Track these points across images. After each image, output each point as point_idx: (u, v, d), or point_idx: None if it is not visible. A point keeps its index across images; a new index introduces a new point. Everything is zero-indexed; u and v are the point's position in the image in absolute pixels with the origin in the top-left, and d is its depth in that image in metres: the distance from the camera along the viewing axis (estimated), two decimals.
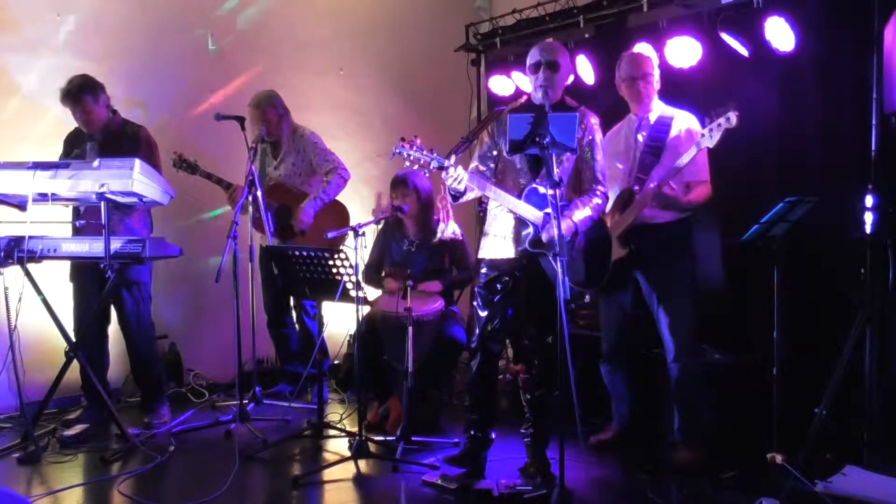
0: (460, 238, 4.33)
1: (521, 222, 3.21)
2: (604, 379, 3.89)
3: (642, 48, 4.11)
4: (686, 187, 3.58)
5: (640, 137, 3.64)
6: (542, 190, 3.11)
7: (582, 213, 3.21)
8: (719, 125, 3.29)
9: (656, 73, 3.64)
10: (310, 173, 4.69)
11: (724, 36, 3.89)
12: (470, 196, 3.23)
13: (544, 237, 3.11)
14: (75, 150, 4.07)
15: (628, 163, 3.65)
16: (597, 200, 3.28)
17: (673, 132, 3.58)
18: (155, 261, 4.10)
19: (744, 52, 3.89)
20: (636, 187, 3.55)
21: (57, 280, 4.09)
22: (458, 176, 3.05)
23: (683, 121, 3.61)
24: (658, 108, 3.66)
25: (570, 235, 3.15)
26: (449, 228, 4.28)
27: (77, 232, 3.90)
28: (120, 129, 4.12)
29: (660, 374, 3.77)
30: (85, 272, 4.02)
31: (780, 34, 3.70)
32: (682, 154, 3.46)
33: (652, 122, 3.63)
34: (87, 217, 3.91)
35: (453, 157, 3.07)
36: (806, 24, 3.66)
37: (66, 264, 4.09)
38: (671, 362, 3.55)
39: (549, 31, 4.89)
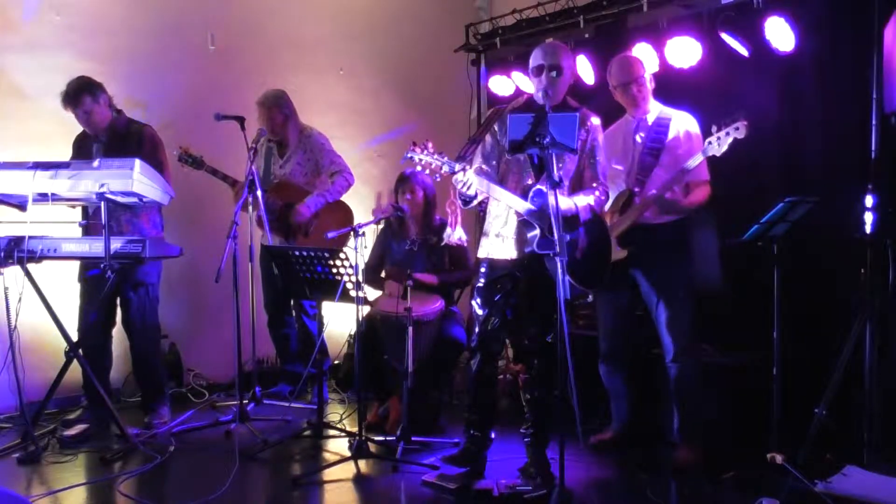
0: (464, 244, 4.31)
1: (524, 223, 3.20)
2: (603, 379, 3.89)
3: (642, 48, 4.12)
4: (686, 188, 3.58)
5: (638, 138, 3.63)
6: (545, 190, 3.10)
7: (583, 200, 3.23)
8: (727, 134, 3.29)
9: (648, 73, 3.63)
10: (315, 173, 4.70)
11: (724, 36, 3.89)
12: (480, 199, 3.21)
13: (540, 207, 3.10)
14: (83, 153, 4.07)
15: (627, 164, 3.64)
16: (597, 194, 3.30)
17: (671, 133, 3.58)
18: (160, 261, 4.10)
19: (744, 52, 3.89)
20: (636, 189, 3.55)
21: (57, 280, 4.09)
22: (467, 181, 3.05)
23: (681, 121, 3.60)
24: (655, 109, 3.65)
25: (569, 213, 3.14)
26: (455, 234, 4.24)
27: (86, 232, 3.91)
28: (125, 128, 4.12)
29: (659, 374, 3.77)
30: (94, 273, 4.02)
31: (780, 34, 3.70)
32: (680, 155, 3.47)
33: (650, 123, 3.63)
34: (97, 217, 3.91)
35: (466, 163, 3.07)
36: (806, 24, 3.66)
37: (69, 264, 4.09)
38: (670, 362, 3.55)
39: (549, 31, 4.89)
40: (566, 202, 3.11)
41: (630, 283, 3.66)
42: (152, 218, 4.13)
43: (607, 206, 3.62)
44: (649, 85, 3.63)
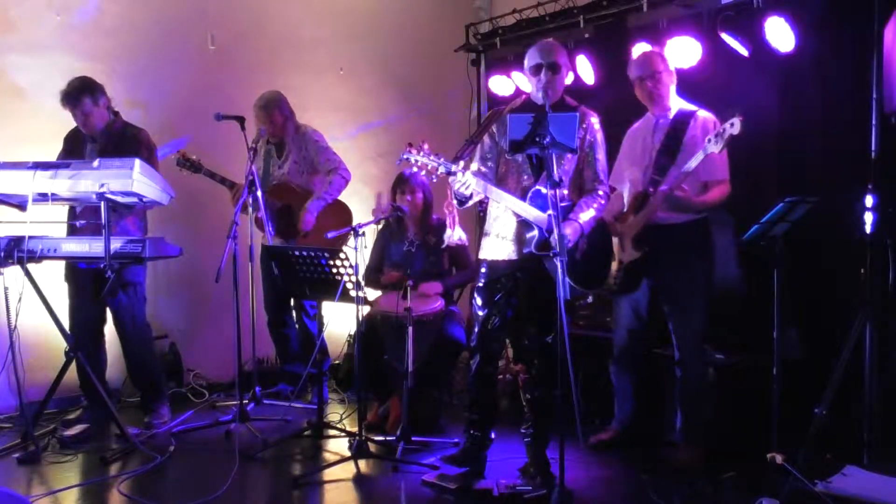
0: (465, 243, 4.31)
1: (523, 224, 3.19)
2: (612, 378, 3.89)
3: (642, 48, 4.11)
4: (703, 187, 3.53)
5: (656, 137, 3.61)
6: (544, 191, 3.09)
7: (587, 215, 3.22)
8: (724, 130, 3.28)
9: (668, 69, 3.59)
10: (312, 171, 4.70)
11: (724, 36, 3.88)
12: (476, 199, 3.22)
13: (552, 240, 3.10)
14: (75, 150, 4.07)
15: (644, 163, 3.61)
16: (600, 201, 3.29)
17: (689, 132, 3.52)
18: (155, 261, 4.10)
19: (744, 52, 3.89)
20: (651, 189, 3.52)
21: (57, 280, 4.09)
22: (465, 181, 3.05)
23: (701, 120, 3.54)
24: (676, 106, 3.60)
25: (577, 237, 3.16)
26: (455, 234, 4.25)
27: (73, 231, 3.91)
28: (120, 131, 4.11)
29: (661, 374, 3.77)
30: (80, 272, 4.02)
31: (780, 34, 3.70)
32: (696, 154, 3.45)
33: (669, 122, 3.58)
34: (83, 217, 3.91)
35: (461, 162, 3.07)
36: (806, 24, 3.65)
37: (62, 264, 4.08)
38: (677, 363, 3.55)
39: (549, 31, 4.89)
40: (573, 226, 3.14)
41: (647, 284, 3.64)
42: (136, 220, 4.13)
43: (625, 209, 3.61)
44: (671, 81, 3.58)
